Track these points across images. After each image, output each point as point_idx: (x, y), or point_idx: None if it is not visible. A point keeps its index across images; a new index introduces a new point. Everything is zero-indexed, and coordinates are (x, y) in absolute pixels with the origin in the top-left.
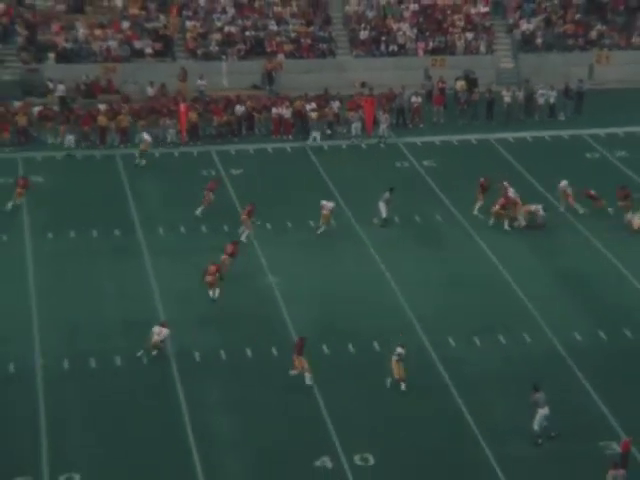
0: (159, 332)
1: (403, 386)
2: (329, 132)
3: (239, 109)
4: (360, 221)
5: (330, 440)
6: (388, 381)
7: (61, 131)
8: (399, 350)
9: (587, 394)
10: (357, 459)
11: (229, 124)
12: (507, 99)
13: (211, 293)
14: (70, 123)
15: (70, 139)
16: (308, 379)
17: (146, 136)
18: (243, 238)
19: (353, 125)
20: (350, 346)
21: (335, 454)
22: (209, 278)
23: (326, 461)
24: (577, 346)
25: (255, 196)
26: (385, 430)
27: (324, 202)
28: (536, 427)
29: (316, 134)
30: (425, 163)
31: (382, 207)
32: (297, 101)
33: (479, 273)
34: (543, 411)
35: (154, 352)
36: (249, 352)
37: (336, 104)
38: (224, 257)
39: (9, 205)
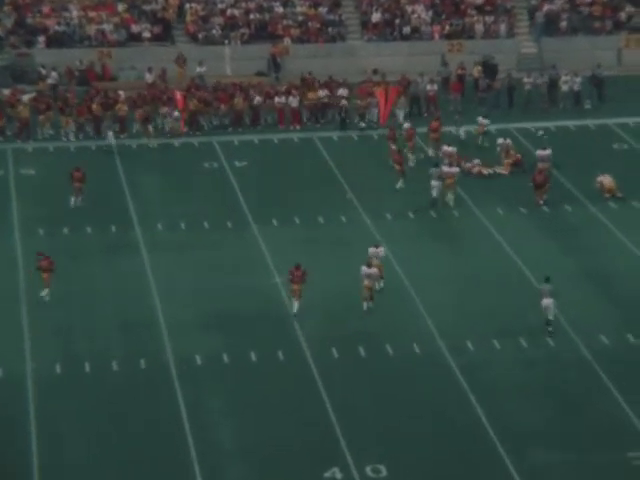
0: (376, 253)
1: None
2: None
3: (258, 100)
4: (371, 215)
5: (340, 450)
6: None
7: (64, 123)
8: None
9: (615, 401)
10: (369, 470)
11: (237, 113)
12: (528, 86)
13: (73, 201)
14: (66, 114)
15: (111, 135)
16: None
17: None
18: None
19: (374, 111)
20: (361, 349)
21: (345, 465)
22: (77, 184)
23: (336, 472)
24: (604, 350)
25: (260, 190)
26: (398, 440)
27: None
28: (549, 317)
29: None
30: (441, 155)
31: (435, 185)
32: (310, 92)
33: (498, 271)
34: (547, 301)
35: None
36: (253, 355)
37: (345, 91)
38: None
39: None
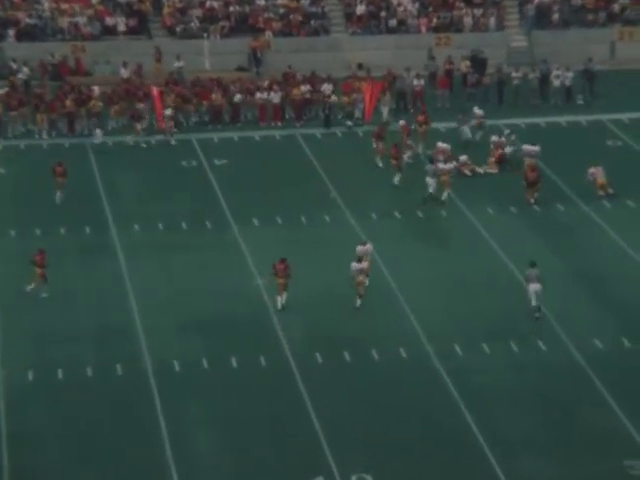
0: (365, 251)
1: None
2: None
3: (239, 98)
4: (356, 215)
5: (324, 458)
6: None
7: (39, 120)
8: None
9: (610, 408)
10: None
11: (216, 110)
12: (517, 81)
13: (58, 196)
14: (40, 111)
15: (99, 133)
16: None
17: (169, 112)
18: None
19: (361, 107)
20: (346, 354)
21: (330, 474)
22: (59, 179)
23: None
24: (598, 355)
25: (240, 189)
26: (385, 448)
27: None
28: (533, 303)
29: None
30: (429, 152)
31: (431, 182)
32: (295, 89)
33: (488, 273)
34: (534, 286)
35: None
36: (234, 361)
37: (329, 87)
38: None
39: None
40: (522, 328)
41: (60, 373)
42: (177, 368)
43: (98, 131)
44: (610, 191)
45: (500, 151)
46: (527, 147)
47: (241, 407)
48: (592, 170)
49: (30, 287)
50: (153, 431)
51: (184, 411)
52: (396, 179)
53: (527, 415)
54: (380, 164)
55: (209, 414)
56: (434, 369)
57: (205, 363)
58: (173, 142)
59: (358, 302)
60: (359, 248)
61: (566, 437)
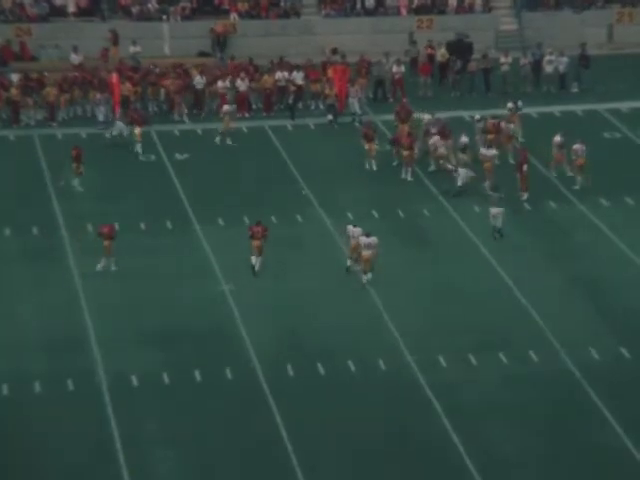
0: (353, 233)
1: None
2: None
3: (199, 81)
4: (331, 215)
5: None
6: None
7: None
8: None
9: (608, 426)
10: None
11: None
12: (505, 67)
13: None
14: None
15: (121, 126)
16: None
17: (227, 107)
18: None
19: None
20: (320, 367)
21: None
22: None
23: None
24: (595, 366)
25: (204, 186)
26: (362, 469)
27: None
28: (497, 224)
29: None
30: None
31: (463, 172)
32: (266, 75)
33: (474, 278)
34: (495, 210)
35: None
36: (197, 375)
37: (299, 75)
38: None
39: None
40: (512, 337)
41: (5, 389)
42: (135, 383)
43: (119, 123)
44: (576, 187)
45: (493, 121)
46: (556, 138)
47: (205, 425)
48: (576, 147)
49: (100, 265)
50: (108, 452)
51: (143, 430)
52: (405, 173)
53: (518, 433)
54: (374, 167)
55: (170, 433)
56: (416, 383)
57: (166, 377)
58: (230, 142)
59: (369, 276)
60: (349, 227)
61: (561, 457)
